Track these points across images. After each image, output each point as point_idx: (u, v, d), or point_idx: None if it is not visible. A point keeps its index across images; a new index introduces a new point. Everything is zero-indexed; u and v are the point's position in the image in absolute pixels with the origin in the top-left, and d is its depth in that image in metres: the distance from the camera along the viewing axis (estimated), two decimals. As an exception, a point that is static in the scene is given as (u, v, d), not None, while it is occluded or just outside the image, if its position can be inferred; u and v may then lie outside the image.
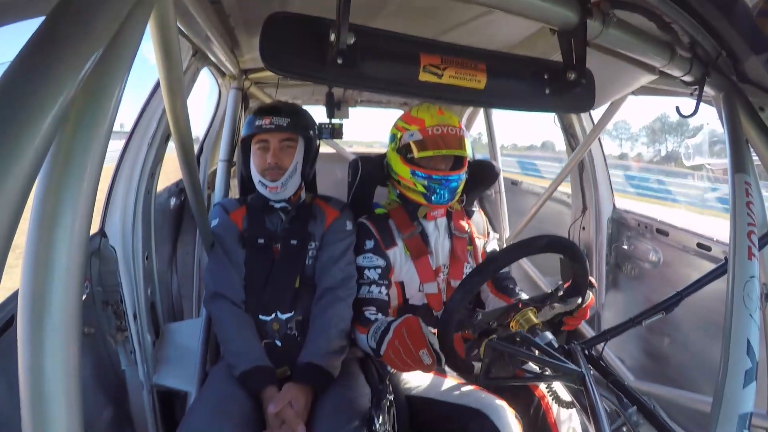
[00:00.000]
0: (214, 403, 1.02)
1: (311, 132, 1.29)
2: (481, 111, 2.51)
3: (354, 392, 1.09)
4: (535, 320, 1.00)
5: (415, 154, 1.27)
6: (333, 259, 1.25)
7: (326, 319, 1.17)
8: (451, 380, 1.14)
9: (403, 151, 1.30)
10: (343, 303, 1.21)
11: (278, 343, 1.20)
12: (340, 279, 1.22)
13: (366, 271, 1.28)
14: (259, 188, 1.27)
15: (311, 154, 1.30)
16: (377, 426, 0.93)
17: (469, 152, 1.30)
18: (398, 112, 2.55)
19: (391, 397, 0.98)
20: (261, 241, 1.25)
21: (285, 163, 1.23)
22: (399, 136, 1.32)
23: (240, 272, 1.23)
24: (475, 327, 0.99)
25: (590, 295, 1.05)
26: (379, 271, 1.27)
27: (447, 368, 1.19)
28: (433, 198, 1.28)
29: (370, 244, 1.30)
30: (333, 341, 1.14)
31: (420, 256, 1.30)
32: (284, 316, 1.21)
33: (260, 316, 1.21)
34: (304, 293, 1.24)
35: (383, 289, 1.26)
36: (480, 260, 1.39)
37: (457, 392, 1.07)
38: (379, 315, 1.22)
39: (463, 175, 1.31)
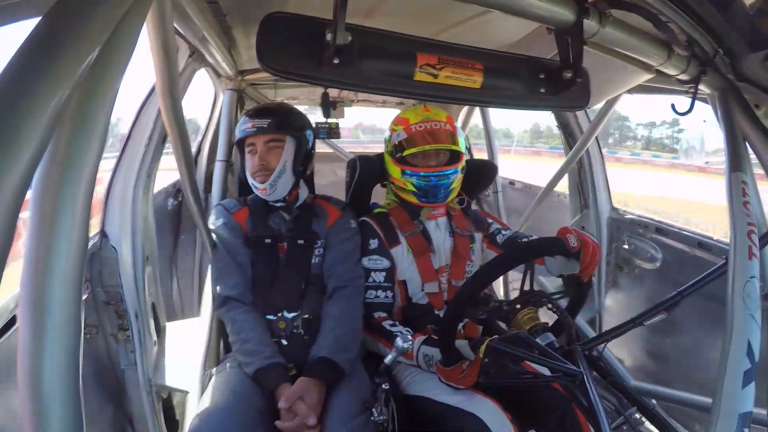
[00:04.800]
0: (226, 399, 1.02)
1: (300, 131, 1.28)
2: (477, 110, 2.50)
3: (362, 387, 1.10)
4: (537, 320, 1.00)
5: (401, 153, 1.28)
6: (341, 259, 1.26)
7: (337, 317, 1.18)
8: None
9: (393, 152, 1.31)
10: (353, 301, 1.22)
11: (284, 342, 1.20)
12: (349, 278, 1.24)
13: (372, 274, 1.28)
14: (253, 189, 1.29)
15: (302, 153, 1.27)
16: (375, 416, 0.96)
17: (461, 147, 1.29)
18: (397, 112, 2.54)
19: (386, 387, 0.98)
20: (268, 241, 1.26)
21: (271, 164, 1.24)
22: (389, 138, 1.33)
23: (246, 273, 1.23)
24: (488, 310, 1.00)
25: (574, 239, 0.99)
26: (384, 274, 1.28)
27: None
28: (424, 196, 1.28)
29: (374, 243, 1.30)
30: (344, 337, 1.15)
31: (422, 255, 1.30)
32: (290, 315, 1.21)
33: (267, 316, 1.21)
34: (310, 292, 1.24)
35: (389, 293, 1.28)
36: (484, 256, 1.39)
37: (453, 393, 1.06)
38: (390, 321, 1.24)
39: (456, 170, 1.29)
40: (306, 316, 1.22)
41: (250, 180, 1.27)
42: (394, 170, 1.31)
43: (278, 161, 1.24)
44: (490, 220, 1.44)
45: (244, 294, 1.21)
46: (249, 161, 1.27)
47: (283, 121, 1.25)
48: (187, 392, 1.28)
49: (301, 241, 1.26)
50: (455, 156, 1.30)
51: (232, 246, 1.25)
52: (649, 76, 0.98)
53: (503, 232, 1.40)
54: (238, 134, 1.27)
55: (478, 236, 1.40)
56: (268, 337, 1.16)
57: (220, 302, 1.21)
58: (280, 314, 1.21)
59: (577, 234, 1.01)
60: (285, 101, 2.21)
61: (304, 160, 1.29)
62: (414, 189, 1.28)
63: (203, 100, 2.04)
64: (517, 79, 0.80)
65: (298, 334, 1.21)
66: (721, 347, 0.70)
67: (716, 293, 0.85)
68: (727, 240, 0.83)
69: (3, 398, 0.79)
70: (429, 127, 1.26)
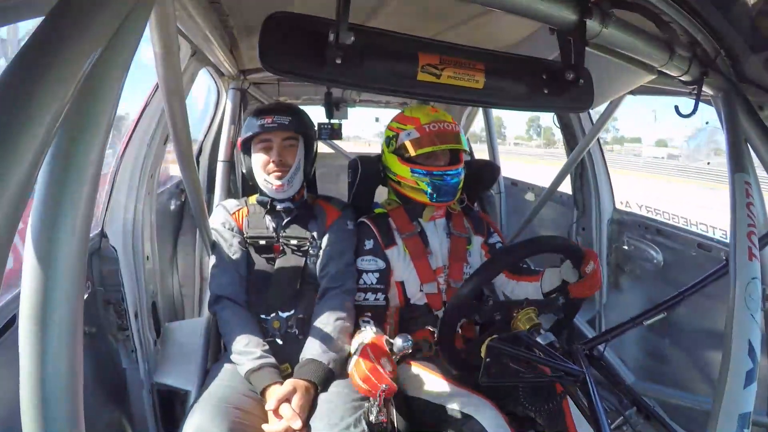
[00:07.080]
0: (216, 400, 1.02)
1: (311, 132, 1.32)
2: (480, 111, 2.50)
3: (352, 389, 1.08)
4: (536, 320, 1.00)
5: (413, 152, 1.28)
6: (334, 259, 1.26)
7: (328, 317, 1.18)
8: (447, 383, 1.13)
9: (400, 151, 1.31)
10: (345, 301, 1.22)
11: (279, 341, 1.21)
12: (341, 278, 1.24)
13: (364, 275, 1.28)
14: (265, 187, 1.28)
15: (311, 154, 1.32)
16: (373, 417, 0.96)
17: (465, 147, 1.31)
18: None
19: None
20: (263, 242, 1.27)
21: (289, 160, 1.25)
22: (394, 137, 1.32)
23: (242, 272, 1.24)
24: (483, 313, 1.00)
25: (593, 266, 1.11)
26: (377, 275, 1.28)
27: (448, 368, 1.20)
28: (436, 195, 1.28)
29: (369, 244, 1.30)
30: (334, 339, 1.15)
31: (420, 257, 1.30)
32: (285, 315, 1.22)
33: (261, 315, 1.22)
34: (305, 292, 1.25)
35: (380, 295, 1.28)
36: (482, 258, 1.39)
37: (452, 396, 1.06)
38: (373, 323, 1.23)
39: (461, 169, 1.31)
40: (301, 315, 1.22)
41: (263, 176, 1.26)
42: (402, 169, 1.30)
43: (294, 159, 1.26)
44: (491, 229, 1.44)
45: (236, 293, 1.21)
46: (262, 158, 1.26)
47: (300, 121, 1.28)
48: (187, 391, 1.28)
49: (295, 242, 1.27)
50: (457, 155, 1.32)
51: (229, 245, 1.26)
52: (652, 77, 0.98)
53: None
54: (251, 130, 1.25)
55: (477, 239, 1.40)
56: (259, 337, 1.16)
57: (212, 301, 1.22)
58: (274, 314, 1.22)
59: (596, 265, 1.11)
60: (287, 101, 2.21)
61: (312, 161, 1.33)
62: (426, 188, 1.28)
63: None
64: (519, 79, 0.80)
65: (293, 334, 1.21)
66: (723, 347, 0.70)
67: (717, 294, 0.85)
68: (726, 240, 0.83)
69: (3, 397, 0.79)
70: (441, 127, 1.28)
